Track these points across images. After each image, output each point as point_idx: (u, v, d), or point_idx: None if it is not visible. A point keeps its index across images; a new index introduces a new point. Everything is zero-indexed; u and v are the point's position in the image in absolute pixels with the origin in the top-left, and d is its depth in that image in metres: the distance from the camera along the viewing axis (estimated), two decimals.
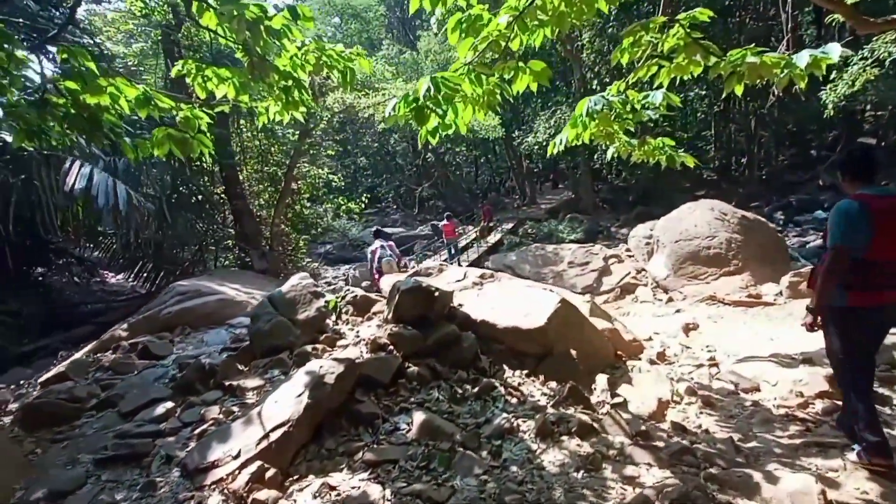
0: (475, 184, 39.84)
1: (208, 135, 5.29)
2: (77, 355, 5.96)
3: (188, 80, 5.02)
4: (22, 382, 5.89)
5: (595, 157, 25.30)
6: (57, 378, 4.83)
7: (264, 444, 3.23)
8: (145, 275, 12.02)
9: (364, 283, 13.83)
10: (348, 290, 5.75)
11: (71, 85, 4.24)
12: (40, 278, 12.11)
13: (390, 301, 4.90)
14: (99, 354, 5.80)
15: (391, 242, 8.91)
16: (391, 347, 4.46)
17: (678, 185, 24.98)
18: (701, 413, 4.09)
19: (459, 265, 16.57)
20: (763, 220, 10.68)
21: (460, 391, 4.11)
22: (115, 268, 13.41)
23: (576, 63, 24.52)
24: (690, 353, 5.85)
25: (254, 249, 11.88)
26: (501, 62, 4.19)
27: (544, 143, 23.88)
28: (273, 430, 3.31)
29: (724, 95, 5.30)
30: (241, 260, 12.47)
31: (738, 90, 3.96)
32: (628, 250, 12.28)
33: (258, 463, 3.09)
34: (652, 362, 5.28)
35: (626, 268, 10.97)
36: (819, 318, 3.19)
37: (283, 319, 5.00)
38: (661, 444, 3.45)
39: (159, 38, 11.15)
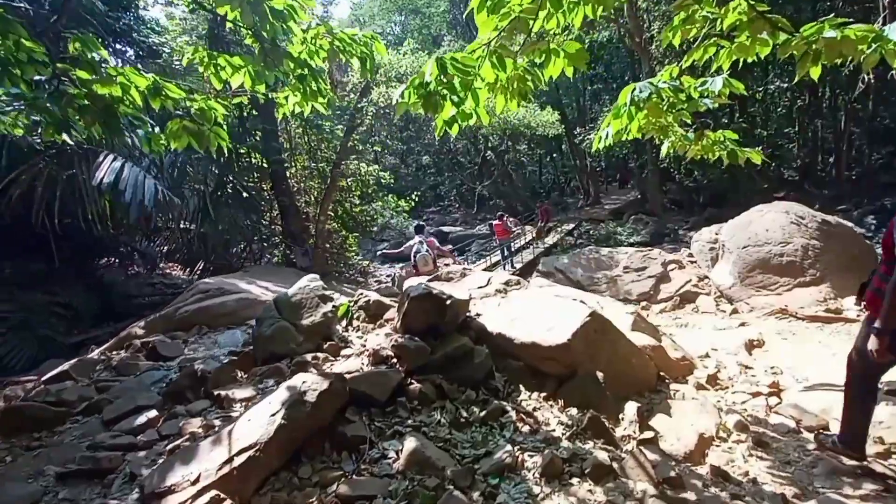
0: (539, 183, 38.89)
1: (224, 126, 5.08)
2: (93, 353, 5.88)
3: (201, 70, 4.80)
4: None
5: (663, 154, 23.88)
6: (59, 377, 4.71)
7: (226, 469, 2.86)
8: (200, 269, 12.24)
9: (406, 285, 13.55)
10: (361, 293, 5.36)
11: (83, 75, 4.09)
12: (97, 271, 12.52)
13: (400, 308, 4.47)
14: (114, 352, 5.69)
15: (431, 238, 8.68)
16: (394, 360, 4.03)
17: (755, 186, 23.18)
18: (750, 455, 3.42)
19: (512, 267, 16.06)
20: (848, 224, 9.49)
21: (465, 414, 3.62)
22: (179, 261, 13.77)
23: (644, 57, 23.25)
24: (749, 376, 5.09)
25: (297, 247, 11.81)
26: (531, 44, 3.67)
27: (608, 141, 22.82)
28: (238, 453, 2.93)
29: (796, 80, 4.42)
30: (287, 257, 12.46)
31: (815, 73, 3.27)
32: (690, 255, 11.31)
33: (214, 492, 2.72)
34: (700, 387, 4.60)
35: (687, 275, 10.07)
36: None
37: (286, 324, 4.67)
38: (692, 495, 2.84)
39: (204, 32, 11.26)
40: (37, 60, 4.10)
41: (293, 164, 13.28)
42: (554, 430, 3.47)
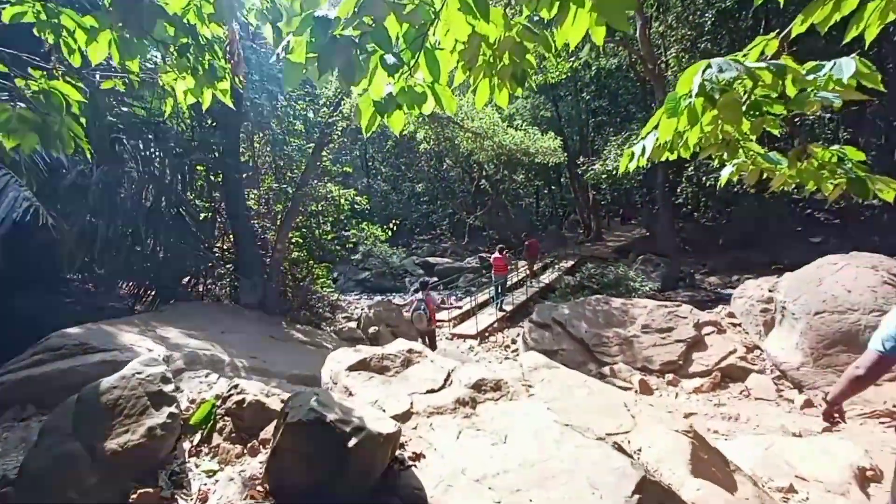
0: (535, 215, 36.98)
1: (81, 119, 3.30)
2: None
3: (36, 32, 2.94)
4: None
5: (679, 189, 21.96)
6: None
7: None
8: (151, 296, 10.34)
9: (371, 329, 11.51)
10: (235, 386, 3.24)
11: None
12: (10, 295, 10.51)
13: (275, 436, 2.41)
14: None
15: (430, 296, 9.41)
16: None
17: (785, 227, 21.14)
18: None
19: (502, 309, 14.02)
20: None
21: None
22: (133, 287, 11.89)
23: (658, 85, 21.54)
24: None
25: (245, 278, 9.75)
26: None
27: (614, 172, 20.95)
28: None
29: None
30: (236, 290, 10.47)
31: None
32: (731, 315, 9.26)
33: None
34: None
35: (730, 342, 8.00)
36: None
37: (77, 449, 2.58)
38: None
39: None
40: None
41: (259, 185, 11.35)
42: None
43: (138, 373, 2.91)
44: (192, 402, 3.06)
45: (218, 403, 3.06)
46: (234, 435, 2.93)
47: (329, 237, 13.23)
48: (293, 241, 12.59)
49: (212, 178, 10.46)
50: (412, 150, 27.17)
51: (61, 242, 7.06)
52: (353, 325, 12.37)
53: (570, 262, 21.99)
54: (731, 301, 9.29)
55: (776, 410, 5.93)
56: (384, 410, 2.68)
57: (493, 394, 3.04)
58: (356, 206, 12.92)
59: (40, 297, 10.60)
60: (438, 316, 11.85)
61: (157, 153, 9.79)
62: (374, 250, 20.59)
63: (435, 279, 12.74)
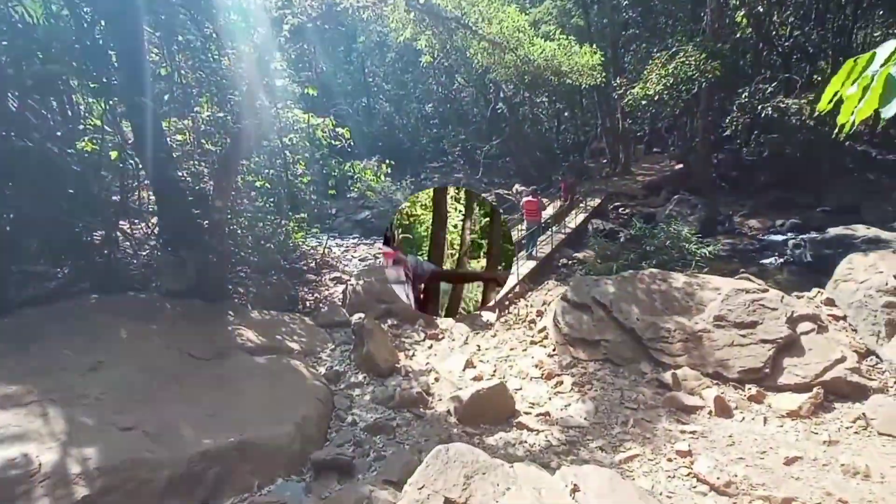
0: (556, 143, 33.23)
1: None
2: None
3: None
4: None
5: (729, 119, 18.65)
6: None
7: None
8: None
9: (356, 317, 8.74)
10: None
11: None
12: None
13: None
14: None
15: None
16: None
17: (836, 165, 17.96)
18: None
19: (535, 258, 12.25)
20: None
21: None
22: None
23: None
24: None
25: (168, 253, 6.92)
26: None
27: (656, 98, 17.47)
28: None
29: None
30: (151, 272, 7.53)
31: None
32: (830, 302, 6.84)
33: None
34: None
35: (835, 346, 5.81)
36: None
37: None
38: None
39: None
40: None
41: (192, 114, 8.18)
42: None
43: None
44: None
45: None
46: None
47: (305, 181, 10.37)
48: (259, 186, 9.73)
49: (111, 103, 7.11)
50: (418, 65, 23.49)
51: None
52: (340, 294, 9.81)
53: (597, 200, 19.11)
54: (835, 286, 6.94)
55: None
56: None
57: None
58: (338, 141, 9.84)
59: None
60: None
61: None
62: (375, 187, 17.61)
63: None
